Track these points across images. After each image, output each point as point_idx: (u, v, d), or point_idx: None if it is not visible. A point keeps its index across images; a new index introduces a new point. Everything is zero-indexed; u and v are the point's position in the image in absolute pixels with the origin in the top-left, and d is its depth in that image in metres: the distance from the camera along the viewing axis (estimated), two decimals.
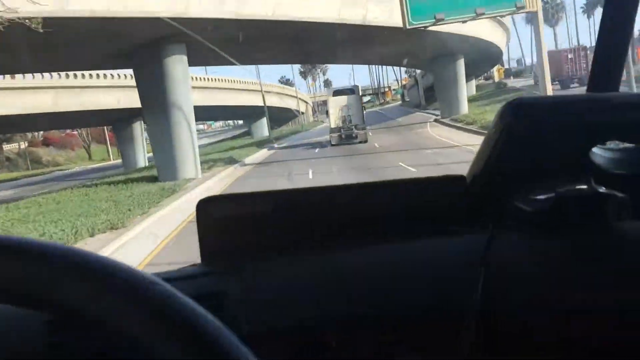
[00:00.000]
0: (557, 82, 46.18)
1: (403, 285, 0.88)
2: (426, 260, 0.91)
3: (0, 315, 0.75)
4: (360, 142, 24.64)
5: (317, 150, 24.84)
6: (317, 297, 0.86)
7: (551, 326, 0.83)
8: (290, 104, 60.52)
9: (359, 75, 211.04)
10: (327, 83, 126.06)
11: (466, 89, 50.12)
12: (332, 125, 26.24)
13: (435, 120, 34.66)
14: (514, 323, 0.85)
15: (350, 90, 27.92)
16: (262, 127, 52.62)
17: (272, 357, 0.79)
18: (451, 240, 0.93)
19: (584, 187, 0.87)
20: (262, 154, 26.85)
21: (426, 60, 33.47)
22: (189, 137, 17.15)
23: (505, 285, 0.86)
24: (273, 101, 52.53)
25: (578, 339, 0.82)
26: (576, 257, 0.85)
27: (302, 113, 59.00)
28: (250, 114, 52.38)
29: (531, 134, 0.90)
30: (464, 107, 32.54)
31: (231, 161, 22.28)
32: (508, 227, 0.91)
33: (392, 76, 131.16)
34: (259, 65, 40.15)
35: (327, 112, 29.77)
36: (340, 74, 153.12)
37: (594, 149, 0.95)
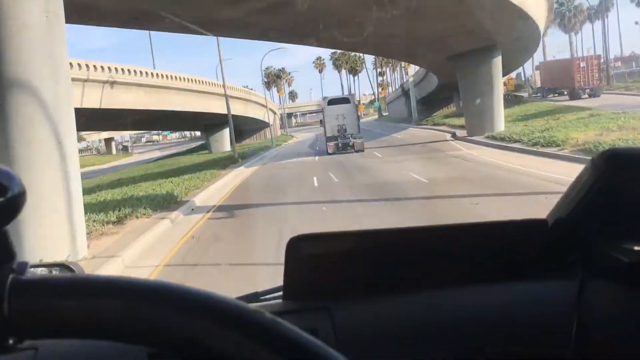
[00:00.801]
0: (559, 92, 40.29)
1: (494, 330, 0.88)
2: (516, 305, 0.92)
3: (103, 351, 0.74)
4: (357, 151, 23.97)
5: (315, 180, 15.47)
6: (406, 338, 0.87)
7: None
8: (258, 113, 50.95)
9: (327, 87, 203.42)
10: (292, 95, 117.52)
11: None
12: (328, 134, 25.81)
13: (454, 137, 25.98)
14: None
15: (346, 100, 27.73)
16: (223, 141, 42.91)
17: None
18: (538, 285, 0.94)
19: None
20: (225, 184, 17.12)
21: (444, 60, 24.73)
22: (57, 167, 7.40)
23: (600, 335, 0.85)
24: (237, 109, 42.92)
25: None
26: None
27: (270, 125, 49.73)
28: (208, 123, 42.56)
29: (626, 185, 0.88)
30: (500, 122, 23.94)
31: (169, 202, 12.48)
32: (597, 274, 0.89)
33: (364, 89, 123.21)
34: (221, 63, 30.55)
35: (321, 121, 29.70)
36: (306, 86, 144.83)
37: None
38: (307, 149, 33.15)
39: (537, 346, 0.86)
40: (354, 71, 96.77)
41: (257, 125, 52.72)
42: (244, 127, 49.04)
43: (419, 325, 0.88)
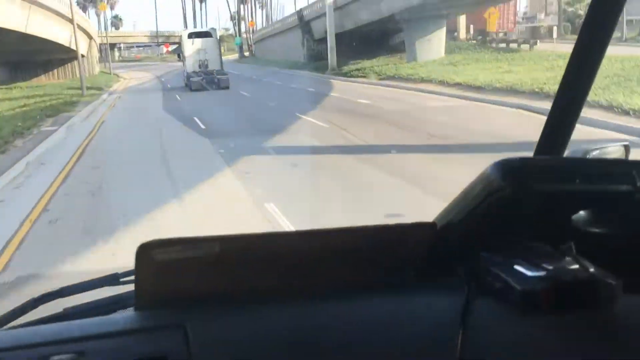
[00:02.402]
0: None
1: (374, 346, 0.80)
2: (396, 319, 0.83)
3: None
4: (222, 88, 22.90)
5: None
6: (272, 357, 0.78)
7: None
8: (56, 34, 28.84)
9: (164, 19, 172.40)
10: (117, 20, 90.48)
11: (433, 44, 25.90)
12: (189, 70, 25.04)
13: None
14: None
15: (207, 34, 26.98)
16: None
17: None
18: (423, 298, 0.86)
19: (576, 267, 0.76)
20: None
21: None
22: None
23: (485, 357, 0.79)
24: (8, 17, 21.09)
25: None
26: (559, 342, 0.78)
27: (83, 56, 28.49)
28: None
29: (520, 199, 0.83)
30: None
31: None
32: (486, 291, 0.81)
33: (212, 22, 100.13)
34: None
35: (179, 55, 29.72)
36: (135, 16, 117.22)
37: (579, 213, 0.86)
38: (170, 117, 14.15)
39: None
40: None
41: (55, 55, 30.50)
42: (28, 57, 26.93)
43: (286, 343, 0.78)
